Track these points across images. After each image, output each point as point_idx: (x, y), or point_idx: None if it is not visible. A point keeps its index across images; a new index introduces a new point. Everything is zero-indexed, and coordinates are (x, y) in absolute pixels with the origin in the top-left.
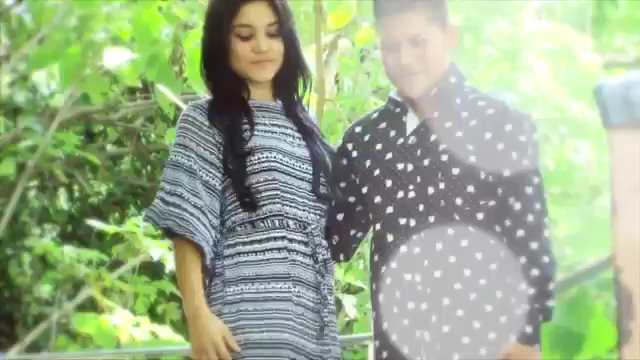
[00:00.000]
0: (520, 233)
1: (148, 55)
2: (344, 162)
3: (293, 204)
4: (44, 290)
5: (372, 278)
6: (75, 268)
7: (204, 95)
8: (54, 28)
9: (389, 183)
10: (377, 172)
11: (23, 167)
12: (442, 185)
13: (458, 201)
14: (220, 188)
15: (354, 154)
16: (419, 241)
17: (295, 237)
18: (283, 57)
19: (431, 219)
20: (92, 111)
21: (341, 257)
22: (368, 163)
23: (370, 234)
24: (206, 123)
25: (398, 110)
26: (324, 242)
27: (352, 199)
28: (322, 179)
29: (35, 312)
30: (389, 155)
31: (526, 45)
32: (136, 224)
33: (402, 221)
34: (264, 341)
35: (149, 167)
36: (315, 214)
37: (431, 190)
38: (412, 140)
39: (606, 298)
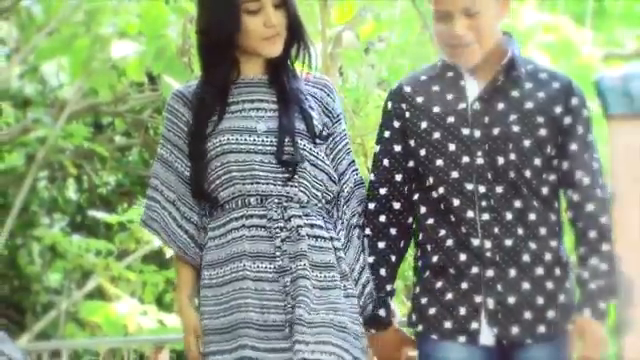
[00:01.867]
0: (590, 207)
1: (155, 48)
2: (396, 124)
3: (255, 180)
4: (53, 279)
5: (423, 240)
6: (83, 258)
7: None
8: (63, 21)
9: (453, 147)
10: (437, 135)
11: (33, 158)
12: (512, 156)
13: (527, 173)
14: None
15: (407, 115)
16: (488, 208)
17: (255, 212)
18: (288, 27)
19: (499, 189)
20: (101, 103)
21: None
22: (424, 125)
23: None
24: (181, 110)
25: (451, 74)
26: (290, 210)
27: (412, 163)
28: (287, 148)
29: (44, 301)
30: (450, 119)
31: (527, 37)
32: (138, 213)
33: (469, 186)
34: (223, 326)
35: None
36: (282, 184)
37: (501, 160)
38: (477, 106)
39: None
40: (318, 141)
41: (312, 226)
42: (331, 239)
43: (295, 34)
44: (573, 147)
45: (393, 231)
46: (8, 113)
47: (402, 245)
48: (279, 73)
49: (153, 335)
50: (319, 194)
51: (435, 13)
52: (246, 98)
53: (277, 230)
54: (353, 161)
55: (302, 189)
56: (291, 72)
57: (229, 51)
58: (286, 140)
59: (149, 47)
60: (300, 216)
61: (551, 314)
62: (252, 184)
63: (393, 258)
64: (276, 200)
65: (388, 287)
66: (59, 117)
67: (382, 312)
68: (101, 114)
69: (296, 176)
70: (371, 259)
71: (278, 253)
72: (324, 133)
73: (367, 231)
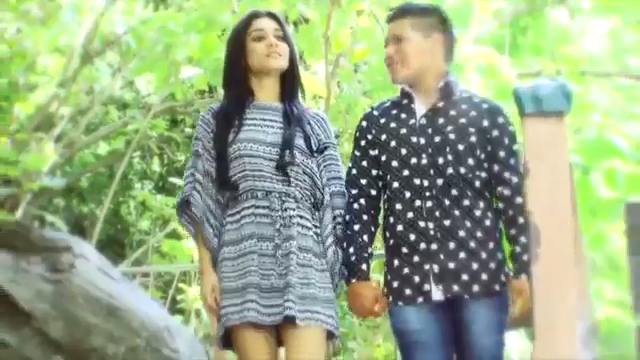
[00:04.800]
0: (518, 200)
1: (212, 69)
2: (369, 136)
3: (262, 179)
4: (144, 224)
5: (386, 229)
6: (164, 210)
7: None
8: (150, 50)
9: (404, 151)
10: (393, 144)
11: (129, 143)
12: (450, 157)
13: (462, 170)
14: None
15: (373, 131)
16: (431, 197)
17: (261, 204)
18: (289, 61)
19: (439, 181)
20: (175, 105)
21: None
22: (384, 137)
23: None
24: (212, 121)
25: (406, 100)
26: (287, 204)
27: (375, 172)
28: (287, 158)
29: (137, 239)
30: (403, 131)
31: (466, 63)
32: None
33: (417, 181)
34: (238, 287)
35: None
36: (283, 183)
37: (441, 160)
38: (423, 121)
39: None
40: (315, 155)
41: (301, 217)
42: (314, 227)
43: (293, 70)
44: (501, 154)
45: (372, 211)
46: (113, 113)
47: (377, 223)
48: (287, 102)
49: None
50: (308, 193)
51: (384, 41)
52: (260, 116)
53: (277, 218)
54: (335, 177)
55: (298, 189)
56: (297, 102)
57: (243, 79)
58: (287, 152)
59: (207, 67)
60: (293, 209)
61: (484, 277)
62: (260, 181)
63: (372, 228)
64: (277, 195)
65: (369, 249)
66: (147, 115)
67: (364, 266)
68: (176, 113)
69: (292, 179)
70: (357, 227)
71: (276, 234)
72: (319, 148)
73: (355, 206)
